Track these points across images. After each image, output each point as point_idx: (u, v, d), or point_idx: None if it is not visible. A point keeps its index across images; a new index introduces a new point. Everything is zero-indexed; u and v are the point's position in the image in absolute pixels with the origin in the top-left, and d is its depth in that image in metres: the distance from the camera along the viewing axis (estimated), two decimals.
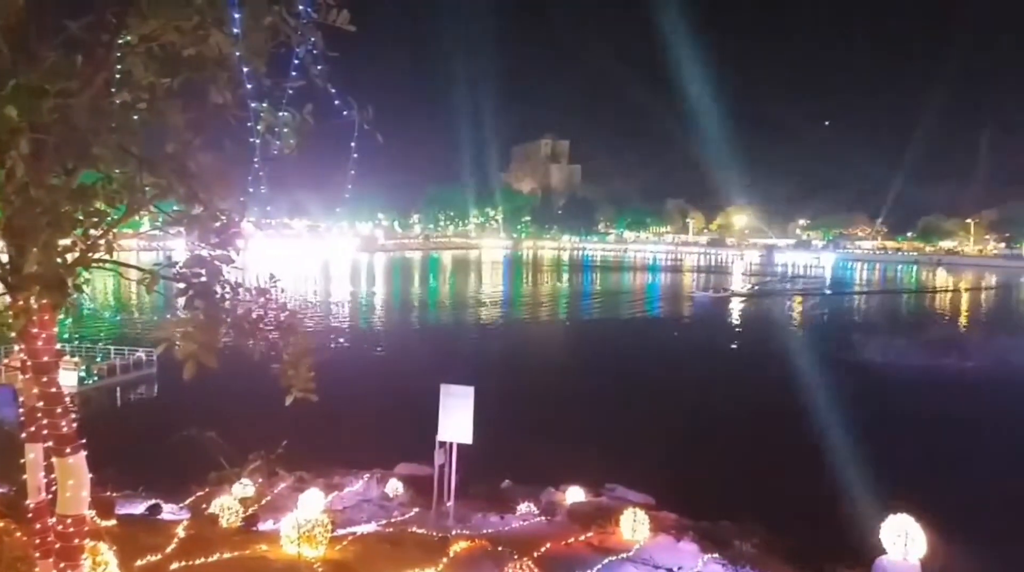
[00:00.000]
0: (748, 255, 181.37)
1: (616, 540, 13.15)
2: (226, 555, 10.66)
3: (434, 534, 12.83)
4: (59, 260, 5.19)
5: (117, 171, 5.49)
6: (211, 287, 5.44)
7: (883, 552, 12.66)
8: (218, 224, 5.43)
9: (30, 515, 6.55)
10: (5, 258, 5.48)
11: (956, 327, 53.18)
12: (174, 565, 10.07)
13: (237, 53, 5.01)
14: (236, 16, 4.93)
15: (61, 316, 6.21)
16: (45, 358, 5.88)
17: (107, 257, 5.79)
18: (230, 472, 17.24)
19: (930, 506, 13.65)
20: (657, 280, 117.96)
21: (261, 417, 14.59)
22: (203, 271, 5.40)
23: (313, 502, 14.08)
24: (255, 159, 5.58)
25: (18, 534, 9.35)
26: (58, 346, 6.09)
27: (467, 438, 14.23)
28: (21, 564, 8.40)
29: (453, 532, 13.14)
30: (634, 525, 13.28)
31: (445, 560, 10.97)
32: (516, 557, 10.58)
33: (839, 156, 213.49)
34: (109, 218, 5.69)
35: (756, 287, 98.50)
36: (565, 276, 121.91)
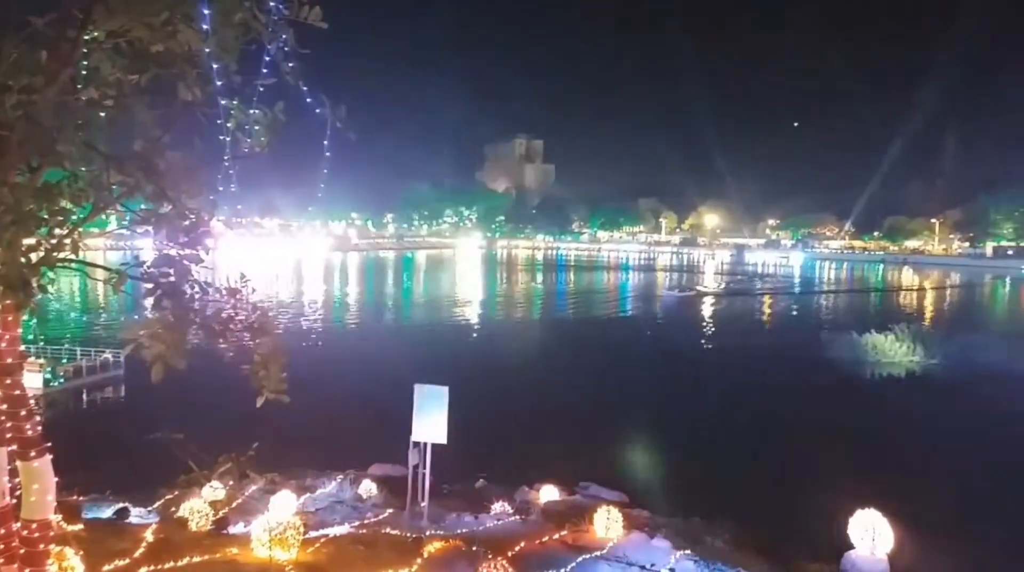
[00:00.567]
0: (719, 254, 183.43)
1: (590, 538, 13.21)
2: (196, 559, 10.52)
3: (408, 535, 12.78)
4: (23, 260, 5.08)
5: (83, 169, 5.40)
6: (180, 287, 5.37)
7: (851, 547, 12.90)
8: (187, 223, 5.37)
9: None
10: None
11: (921, 325, 54.36)
12: (142, 570, 9.90)
13: (207, 49, 4.95)
14: (206, 12, 4.87)
15: (25, 317, 6.08)
16: (9, 360, 5.76)
17: (73, 256, 5.69)
18: (199, 475, 17.00)
19: (897, 502, 13.94)
20: (629, 279, 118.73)
21: (232, 419, 14.44)
22: (171, 271, 5.33)
23: (285, 504, 13.94)
24: (225, 157, 5.52)
25: None
26: (22, 348, 5.97)
27: (441, 438, 14.20)
28: None
29: (427, 532, 13.10)
30: (608, 523, 13.36)
31: (419, 561, 10.94)
32: (490, 557, 10.59)
33: (808, 157, 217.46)
34: (75, 217, 5.59)
35: (726, 286, 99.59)
36: (539, 275, 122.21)
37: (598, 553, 12.33)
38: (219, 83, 5.15)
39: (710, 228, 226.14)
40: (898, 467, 22.31)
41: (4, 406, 5.88)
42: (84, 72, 5.14)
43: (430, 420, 14.13)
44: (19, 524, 6.00)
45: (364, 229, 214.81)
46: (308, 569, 10.55)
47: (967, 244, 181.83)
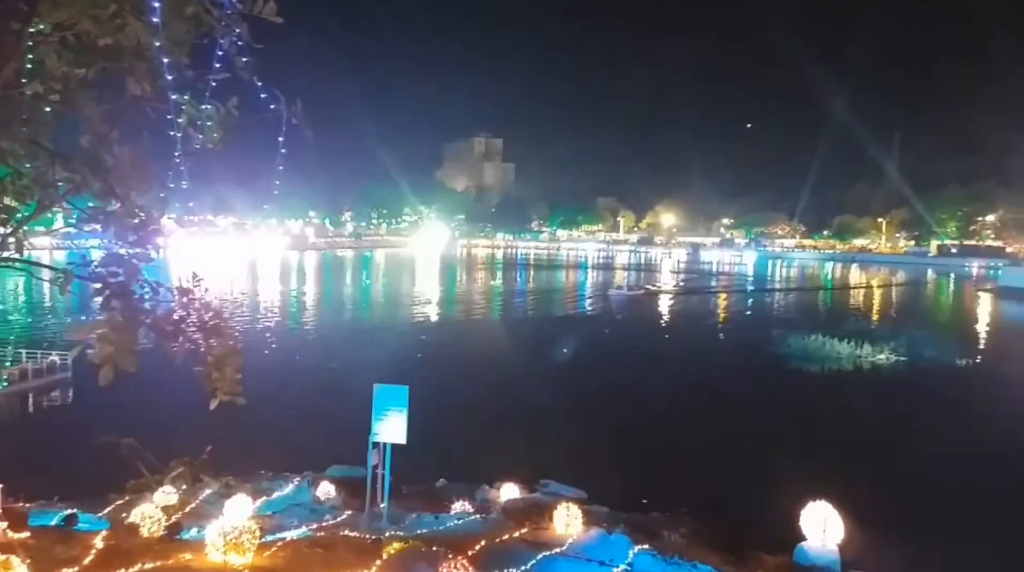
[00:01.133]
0: (675, 253, 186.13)
1: (550, 535, 13.27)
2: (148, 565, 10.26)
3: (367, 536, 12.67)
4: None
5: (27, 166, 5.22)
6: (129, 287, 5.22)
7: (803, 539, 13.22)
8: (136, 221, 5.22)
9: None
10: None
11: (868, 321, 56.07)
12: None
13: (157, 43, 4.82)
14: (156, 5, 4.74)
15: None
16: None
17: (17, 256, 5.50)
18: (151, 480, 16.58)
19: (847, 494, 14.33)
20: (586, 278, 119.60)
21: (185, 422, 14.11)
22: (120, 270, 5.18)
23: (240, 508, 13.68)
24: (176, 153, 5.39)
25: None
26: None
27: (401, 438, 14.10)
28: None
29: (387, 534, 13.00)
30: (567, 520, 13.44)
31: (378, 562, 10.84)
32: (451, 556, 10.55)
33: (761, 158, 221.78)
34: (19, 215, 5.40)
35: (679, 284, 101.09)
36: (499, 273, 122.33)
37: (558, 550, 12.39)
38: (170, 78, 5.02)
39: (667, 227, 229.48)
40: (847, 458, 22.95)
41: None
42: (29, 66, 4.97)
43: (390, 420, 14.03)
44: None
45: (321, 227, 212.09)
46: None
47: (913, 243, 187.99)
